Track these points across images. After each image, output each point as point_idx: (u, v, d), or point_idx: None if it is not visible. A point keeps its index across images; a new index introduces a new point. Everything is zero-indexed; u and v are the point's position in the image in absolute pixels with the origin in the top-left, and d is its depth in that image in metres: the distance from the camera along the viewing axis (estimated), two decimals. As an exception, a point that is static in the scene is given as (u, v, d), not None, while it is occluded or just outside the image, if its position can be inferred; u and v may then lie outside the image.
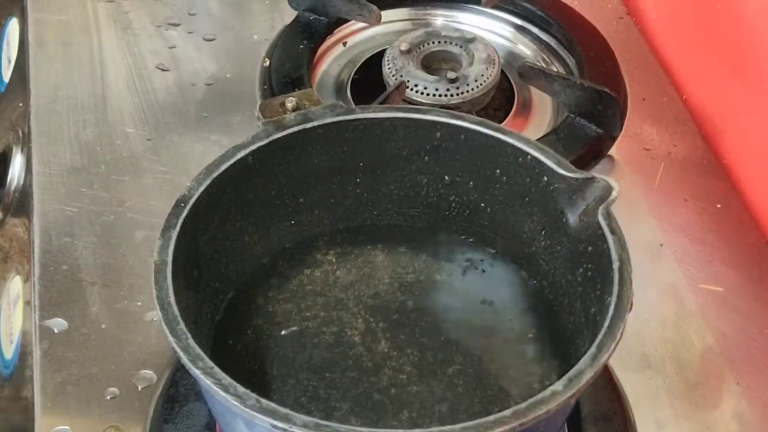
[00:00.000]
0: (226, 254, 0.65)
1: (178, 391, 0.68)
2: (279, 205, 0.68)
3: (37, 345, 0.71)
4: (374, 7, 0.93)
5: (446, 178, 0.69)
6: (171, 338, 0.53)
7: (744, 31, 0.87)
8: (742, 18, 0.87)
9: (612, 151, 0.87)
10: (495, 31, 0.99)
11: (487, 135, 0.65)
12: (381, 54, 0.92)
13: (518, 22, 0.99)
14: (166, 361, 0.69)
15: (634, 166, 0.87)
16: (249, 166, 0.64)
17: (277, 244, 0.69)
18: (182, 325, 0.54)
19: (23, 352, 0.77)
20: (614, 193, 0.59)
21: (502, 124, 0.67)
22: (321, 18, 0.95)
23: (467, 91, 0.87)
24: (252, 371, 0.63)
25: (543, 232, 0.66)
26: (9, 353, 0.80)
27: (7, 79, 1.02)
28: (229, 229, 0.65)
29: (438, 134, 0.67)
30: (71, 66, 0.93)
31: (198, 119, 0.89)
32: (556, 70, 0.94)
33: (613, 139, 0.87)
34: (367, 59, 0.95)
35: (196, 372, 0.52)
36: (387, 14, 0.97)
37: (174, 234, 0.58)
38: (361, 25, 0.98)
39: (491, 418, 0.50)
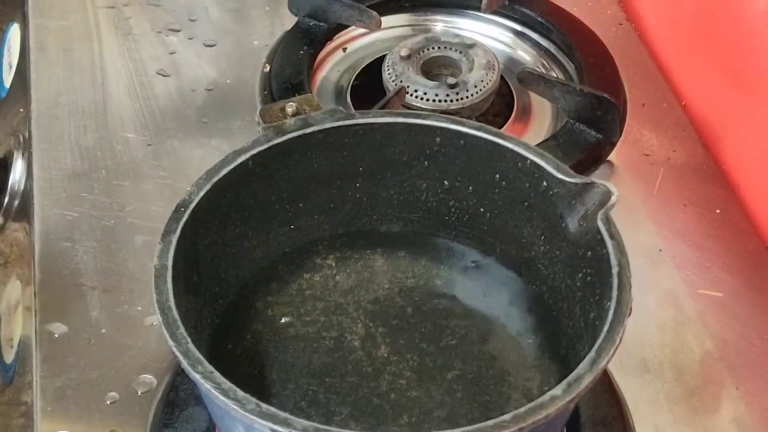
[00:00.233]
0: (226, 259, 0.65)
1: (178, 395, 0.68)
2: (279, 209, 0.68)
3: (38, 349, 0.71)
4: (374, 13, 0.93)
5: (446, 183, 0.69)
6: (171, 342, 0.53)
7: (743, 37, 0.87)
8: (742, 24, 0.87)
9: (611, 157, 0.87)
10: (495, 37, 0.99)
11: (486, 140, 0.65)
12: (381, 60, 0.92)
13: (518, 27, 0.99)
14: (166, 366, 0.70)
15: (634, 172, 0.87)
16: (249, 170, 0.64)
17: (276, 249, 0.69)
18: (182, 330, 0.54)
19: (23, 357, 0.77)
20: (613, 198, 0.59)
21: (502, 130, 0.67)
22: (321, 24, 0.95)
23: (467, 97, 0.87)
24: (251, 376, 0.63)
25: (542, 237, 0.66)
26: (9, 358, 0.80)
27: (8, 84, 1.02)
28: (229, 234, 0.65)
29: (437, 139, 0.67)
30: (72, 72, 0.94)
31: (198, 124, 0.89)
32: (555, 75, 0.95)
33: (613, 144, 0.87)
34: (367, 65, 0.96)
35: (196, 376, 0.52)
36: (387, 20, 0.97)
37: (174, 239, 0.58)
38: (361, 30, 0.98)
39: (490, 422, 0.51)
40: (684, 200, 0.84)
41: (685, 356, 0.73)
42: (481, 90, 0.88)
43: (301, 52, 0.93)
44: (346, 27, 0.97)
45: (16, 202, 0.88)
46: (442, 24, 1.01)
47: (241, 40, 0.99)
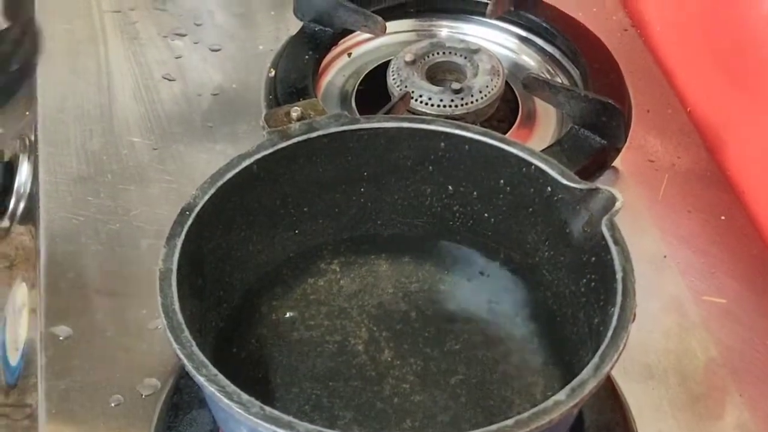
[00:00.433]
0: (231, 263, 0.65)
1: (182, 398, 0.68)
2: (283, 214, 0.68)
3: (43, 352, 0.72)
4: (379, 18, 0.94)
5: (450, 188, 0.69)
6: (175, 345, 0.54)
7: (748, 43, 0.87)
8: (747, 30, 0.87)
9: (616, 163, 0.87)
10: (500, 43, 0.99)
11: (491, 145, 0.66)
12: (386, 65, 0.92)
13: (523, 33, 0.99)
14: (171, 369, 0.70)
15: (639, 178, 0.87)
16: (254, 175, 0.64)
17: (281, 253, 0.69)
18: (186, 333, 0.54)
19: (28, 360, 0.77)
20: (618, 204, 0.59)
21: (507, 135, 0.67)
22: (326, 29, 0.95)
23: (472, 102, 0.88)
24: (256, 379, 0.64)
25: (546, 242, 0.66)
26: (14, 360, 0.80)
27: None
28: (234, 238, 0.65)
29: (442, 144, 0.67)
30: (78, 75, 0.94)
31: (204, 129, 0.89)
32: (560, 81, 0.95)
33: (618, 150, 0.87)
34: (371, 70, 0.96)
35: (200, 379, 0.52)
36: (392, 25, 0.97)
37: (179, 242, 0.59)
38: (367, 36, 0.98)
39: (494, 427, 0.51)
40: (688, 206, 0.84)
41: (689, 362, 0.73)
42: (485, 95, 0.88)
43: (307, 56, 0.93)
44: (351, 32, 0.97)
45: (22, 205, 0.88)
46: (447, 29, 1.01)
47: (247, 44, 0.99)
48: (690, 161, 0.88)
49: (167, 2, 1.03)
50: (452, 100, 0.88)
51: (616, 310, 0.56)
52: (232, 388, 0.52)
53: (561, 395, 0.52)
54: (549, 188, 0.64)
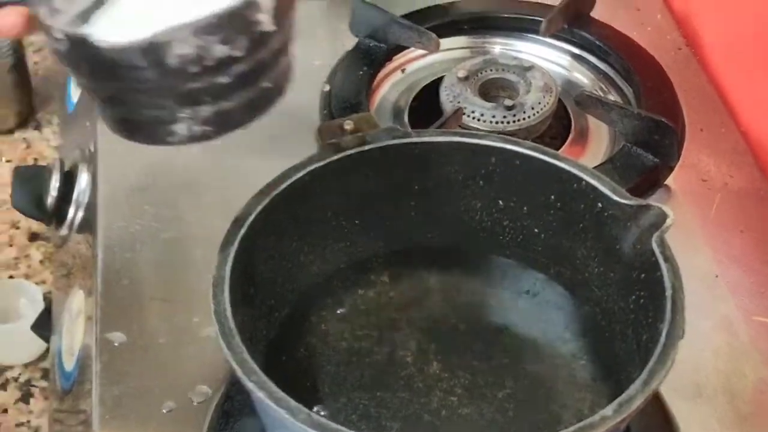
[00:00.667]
0: (282, 272, 0.66)
1: (233, 406, 0.68)
2: (335, 225, 0.69)
3: (98, 358, 0.73)
4: (433, 35, 0.94)
5: (500, 203, 0.69)
6: (227, 351, 0.54)
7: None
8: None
9: (669, 181, 0.87)
10: (552, 60, 1.00)
11: (542, 161, 0.66)
12: (439, 81, 0.93)
13: (576, 51, 1.00)
14: (222, 377, 0.70)
15: (691, 197, 0.86)
16: (306, 186, 0.65)
17: (332, 264, 0.70)
18: (238, 340, 0.55)
19: (83, 366, 0.78)
20: (668, 221, 0.59)
21: (559, 152, 0.67)
22: (381, 45, 0.96)
23: (524, 119, 0.88)
24: (304, 388, 0.64)
25: (596, 258, 0.66)
26: (69, 366, 0.81)
27: (75, 99, 1.04)
28: (286, 248, 0.66)
29: (493, 159, 0.67)
30: (137, 87, 0.95)
31: (260, 141, 0.90)
32: (613, 99, 0.95)
33: (670, 168, 0.87)
34: (425, 86, 0.96)
35: (250, 385, 0.53)
36: (446, 42, 0.98)
37: (232, 251, 0.60)
38: (420, 52, 0.99)
39: (540, 440, 0.51)
40: (741, 225, 0.84)
41: (738, 381, 0.72)
42: (538, 112, 0.88)
43: (361, 72, 0.94)
44: (405, 48, 0.98)
45: (81, 215, 0.90)
46: (500, 46, 1.02)
47: (303, 59, 0.99)
48: (743, 180, 0.88)
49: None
50: (504, 117, 0.88)
51: (665, 327, 0.56)
52: (280, 394, 0.52)
53: (608, 410, 0.52)
54: (600, 204, 0.64)
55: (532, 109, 0.88)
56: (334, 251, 0.70)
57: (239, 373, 0.54)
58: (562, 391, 0.65)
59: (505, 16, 1.02)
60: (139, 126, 0.54)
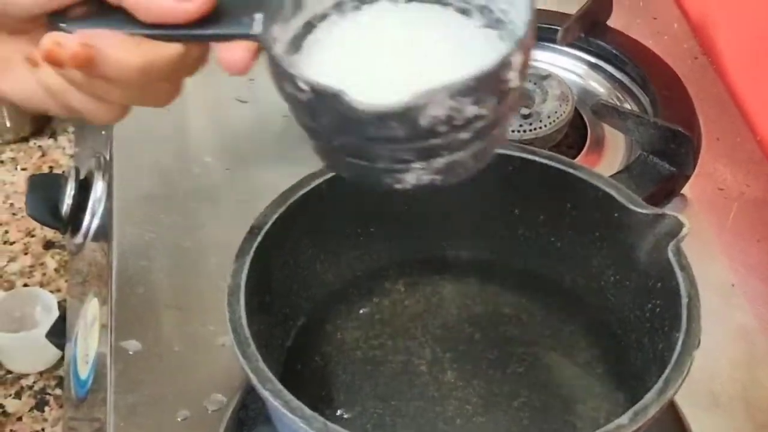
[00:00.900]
0: (298, 281, 0.66)
1: (248, 414, 0.69)
2: (350, 234, 0.69)
3: (112, 366, 0.73)
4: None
5: (516, 211, 0.69)
6: (242, 360, 0.54)
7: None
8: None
9: (685, 190, 0.87)
10: (569, 69, 1.00)
11: (558, 169, 0.66)
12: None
13: (592, 60, 0.99)
14: (237, 385, 0.71)
15: (707, 206, 0.86)
16: (322, 194, 0.65)
17: (347, 273, 0.70)
18: (253, 348, 0.55)
19: (98, 374, 0.78)
20: (684, 230, 0.59)
21: (575, 161, 0.67)
22: (397, 53, 0.96)
23: (540, 128, 0.88)
24: (319, 397, 0.64)
25: (612, 267, 0.66)
26: (84, 373, 0.82)
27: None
28: (301, 256, 0.66)
29: (510, 168, 0.67)
30: (153, 96, 0.96)
31: (275, 150, 0.90)
32: (629, 108, 0.95)
33: (687, 177, 0.87)
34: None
35: (265, 393, 0.53)
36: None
37: (248, 259, 0.60)
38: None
39: (555, 448, 0.51)
40: (757, 235, 0.84)
41: (755, 391, 0.72)
42: (554, 121, 0.88)
43: (377, 80, 0.94)
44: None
45: (96, 223, 0.90)
46: (516, 55, 1.01)
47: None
48: (760, 190, 0.88)
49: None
50: (521, 125, 0.88)
51: (681, 335, 0.56)
52: (296, 403, 0.52)
53: (623, 419, 0.52)
54: (616, 213, 0.63)
55: (549, 117, 0.88)
56: (349, 259, 0.70)
57: (254, 381, 0.54)
58: (578, 400, 0.65)
59: (521, 24, 1.02)
60: (365, 172, 0.52)
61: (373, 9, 0.54)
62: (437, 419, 0.63)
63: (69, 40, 0.51)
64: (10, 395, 1.27)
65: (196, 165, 0.89)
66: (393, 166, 0.51)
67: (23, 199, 0.96)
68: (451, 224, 0.71)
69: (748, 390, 0.72)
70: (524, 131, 0.88)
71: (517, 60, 0.48)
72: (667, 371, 0.54)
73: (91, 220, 0.91)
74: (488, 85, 0.48)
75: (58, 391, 1.25)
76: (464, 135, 0.49)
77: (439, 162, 0.51)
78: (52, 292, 1.33)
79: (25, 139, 1.61)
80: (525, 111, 0.88)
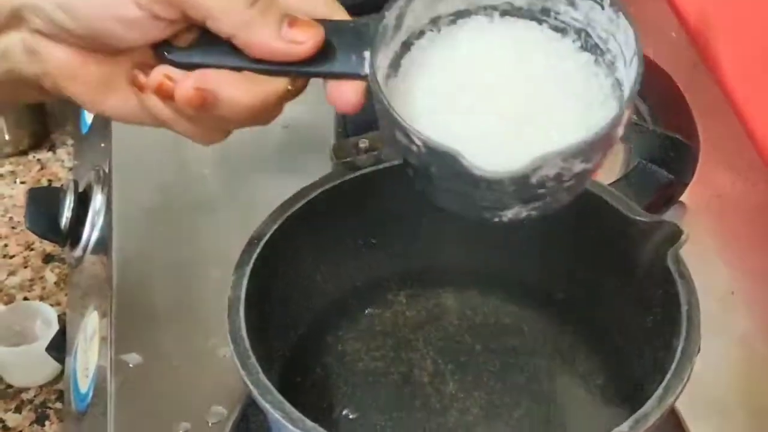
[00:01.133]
0: (298, 292, 0.66)
1: (249, 427, 0.69)
2: (351, 244, 0.69)
3: (113, 379, 0.73)
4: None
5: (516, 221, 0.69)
6: (242, 372, 0.54)
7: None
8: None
9: (683, 198, 0.86)
10: (567, 78, 1.00)
11: (556, 179, 0.66)
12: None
13: (590, 68, 0.99)
14: (237, 397, 0.70)
15: (706, 213, 0.86)
16: (321, 205, 0.65)
17: (348, 283, 0.70)
18: (253, 359, 0.55)
19: (98, 387, 0.78)
20: (683, 237, 0.59)
21: (573, 169, 0.67)
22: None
23: (538, 137, 0.88)
24: (320, 408, 0.64)
25: (611, 275, 0.66)
26: (84, 387, 0.81)
27: (90, 120, 1.05)
28: (301, 267, 0.66)
29: (508, 177, 0.67)
30: (151, 109, 0.96)
31: (274, 161, 0.90)
32: (628, 116, 0.94)
33: (685, 185, 0.87)
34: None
35: (266, 405, 0.53)
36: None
37: (247, 270, 0.60)
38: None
39: (557, 458, 0.51)
40: (757, 242, 0.84)
41: (756, 398, 0.72)
42: (552, 130, 0.88)
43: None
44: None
45: (96, 235, 0.90)
46: (515, 64, 1.01)
47: (318, 78, 1.00)
48: (758, 197, 0.88)
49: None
50: (519, 135, 0.88)
51: (681, 343, 0.56)
52: (296, 414, 0.52)
53: (624, 427, 0.52)
54: (614, 221, 0.63)
55: (547, 126, 0.88)
56: (349, 270, 0.70)
57: (255, 393, 0.54)
58: (578, 409, 0.65)
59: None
60: (465, 208, 0.53)
61: (469, 25, 0.54)
62: (439, 430, 0.63)
63: (182, 81, 0.51)
64: (11, 409, 1.26)
65: (195, 177, 0.89)
66: (495, 206, 0.51)
67: (22, 213, 0.96)
68: (450, 235, 0.71)
69: (749, 397, 0.72)
70: (523, 140, 0.88)
71: (625, 117, 0.49)
72: (667, 378, 0.54)
73: (90, 233, 0.90)
74: (599, 145, 0.49)
75: (58, 405, 1.25)
76: (568, 184, 0.50)
77: (539, 203, 0.51)
78: (52, 305, 1.33)
79: (24, 153, 1.61)
80: (523, 120, 0.88)
